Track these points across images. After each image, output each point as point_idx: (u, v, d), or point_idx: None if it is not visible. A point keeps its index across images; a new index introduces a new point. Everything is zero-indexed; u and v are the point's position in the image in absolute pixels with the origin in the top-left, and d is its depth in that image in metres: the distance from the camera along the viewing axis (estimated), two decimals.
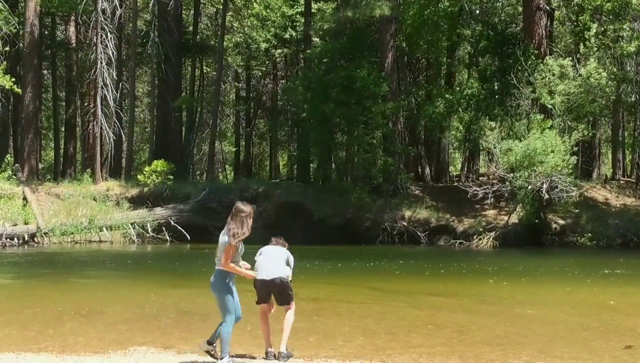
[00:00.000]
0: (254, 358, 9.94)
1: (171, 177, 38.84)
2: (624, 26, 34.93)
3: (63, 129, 53.83)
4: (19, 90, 41.65)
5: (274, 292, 9.87)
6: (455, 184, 39.45)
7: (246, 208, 9.44)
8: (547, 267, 23.86)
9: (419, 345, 11.30)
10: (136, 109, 53.82)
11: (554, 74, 34.33)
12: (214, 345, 9.45)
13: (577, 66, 35.25)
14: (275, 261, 9.93)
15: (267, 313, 10.02)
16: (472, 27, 41.87)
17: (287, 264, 10.00)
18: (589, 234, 32.94)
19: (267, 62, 51.97)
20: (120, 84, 47.91)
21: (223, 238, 9.38)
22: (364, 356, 10.20)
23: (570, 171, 32.34)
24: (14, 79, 40.10)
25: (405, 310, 14.69)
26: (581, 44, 37.05)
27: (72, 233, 34.29)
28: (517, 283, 19.52)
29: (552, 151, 31.21)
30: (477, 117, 35.92)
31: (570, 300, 16.51)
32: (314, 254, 27.35)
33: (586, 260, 27.01)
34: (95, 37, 43.44)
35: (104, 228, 34.88)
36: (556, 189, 31.29)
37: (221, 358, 9.23)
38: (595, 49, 35.91)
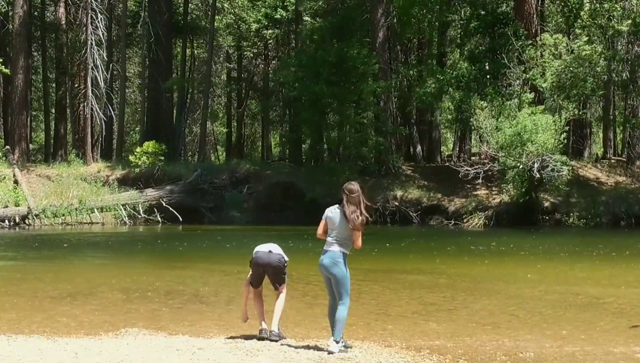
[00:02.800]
0: (248, 338, 9.95)
1: (162, 158, 38.73)
2: (617, 5, 34.86)
3: (53, 110, 53.56)
4: (7, 71, 41.42)
5: (268, 272, 9.85)
6: (447, 164, 39.42)
7: (355, 187, 9.35)
8: (538, 246, 23.94)
9: (412, 324, 11.33)
10: (127, 90, 53.56)
11: (547, 49, 34.26)
12: (341, 338, 9.28)
13: (569, 43, 35.21)
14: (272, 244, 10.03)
15: (261, 293, 10.02)
16: (463, 7, 41.68)
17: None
18: (580, 213, 33.02)
19: (258, 43, 51.74)
20: (111, 65, 47.68)
21: (342, 219, 9.25)
22: (355, 336, 10.22)
23: (562, 150, 32.40)
24: (0, 60, 39.88)
25: (398, 290, 14.71)
26: (572, 23, 36.91)
27: (63, 215, 34.17)
28: (508, 262, 19.58)
29: (543, 131, 31.20)
30: (467, 97, 35.88)
31: (561, 279, 16.57)
32: (307, 235, 27.36)
33: (578, 239, 27.11)
34: (85, 18, 43.17)
35: (95, 210, 34.79)
36: (547, 169, 31.32)
37: (337, 341, 9.11)
38: (588, 26, 35.80)
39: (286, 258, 10.01)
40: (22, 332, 10.61)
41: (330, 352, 9.04)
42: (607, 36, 35.80)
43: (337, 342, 9.14)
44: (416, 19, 40.74)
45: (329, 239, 9.37)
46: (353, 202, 9.24)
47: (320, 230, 9.49)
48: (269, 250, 9.93)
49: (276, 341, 9.62)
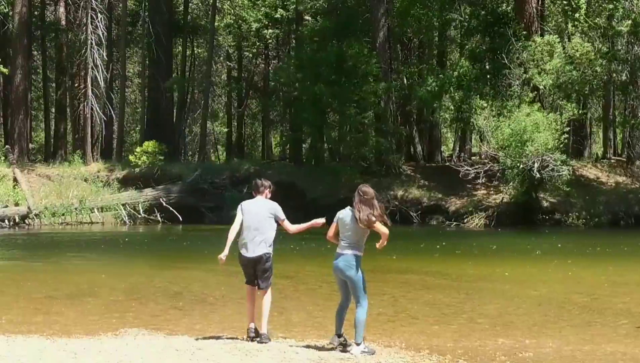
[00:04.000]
0: (236, 338, 9.94)
1: (162, 158, 38.71)
2: (618, 7, 34.83)
3: (53, 110, 53.56)
4: (6, 70, 41.41)
5: (257, 268, 9.78)
6: (447, 164, 39.34)
7: (370, 190, 9.33)
8: (538, 247, 23.91)
9: (411, 324, 11.32)
10: (127, 90, 53.56)
11: (542, 52, 34.30)
12: (342, 335, 9.36)
13: (566, 43, 35.21)
14: (262, 229, 9.75)
15: (254, 292, 9.97)
16: (463, 7, 41.62)
17: (275, 220, 9.84)
18: (580, 213, 33.00)
19: (258, 42, 51.72)
20: (111, 65, 47.67)
21: (352, 221, 9.21)
22: (354, 336, 10.18)
23: (562, 150, 32.39)
24: (0, 60, 39.86)
25: (398, 291, 14.70)
26: (569, 23, 36.87)
27: (63, 215, 34.13)
28: (507, 263, 19.54)
29: (543, 130, 31.17)
30: (468, 96, 35.85)
31: (562, 279, 16.57)
32: (308, 235, 27.36)
33: (578, 239, 27.08)
34: (85, 18, 43.16)
35: (95, 210, 34.77)
36: (547, 169, 31.31)
37: (357, 344, 9.12)
38: (586, 27, 35.77)
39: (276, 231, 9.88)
40: (21, 332, 10.60)
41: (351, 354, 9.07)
42: (608, 36, 35.76)
43: (359, 345, 9.13)
44: (416, 19, 40.68)
45: (341, 242, 9.34)
46: (367, 204, 9.19)
47: (330, 232, 9.47)
48: (253, 250, 9.75)
49: (266, 343, 9.57)
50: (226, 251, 9.75)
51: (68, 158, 43.93)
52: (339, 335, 9.39)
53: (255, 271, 9.79)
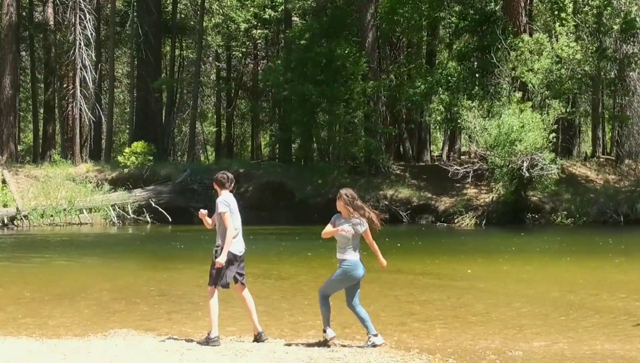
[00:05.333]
0: (237, 339, 9.93)
1: (151, 158, 38.64)
2: (609, 7, 34.95)
3: (42, 111, 53.40)
4: None
5: (242, 264, 9.82)
6: (437, 163, 39.36)
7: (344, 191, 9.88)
8: (527, 246, 23.98)
9: (401, 324, 11.32)
10: (115, 91, 53.43)
11: (530, 51, 34.39)
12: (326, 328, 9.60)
13: (554, 42, 35.30)
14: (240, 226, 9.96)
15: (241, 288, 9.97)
16: (452, 6, 41.64)
17: None
18: (569, 211, 33.09)
19: (247, 42, 51.73)
20: (99, 65, 47.56)
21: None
22: (345, 335, 10.19)
23: (551, 148, 32.45)
24: None
25: (388, 291, 14.70)
26: (557, 22, 36.94)
27: (52, 216, 34.03)
28: (497, 262, 19.57)
29: (531, 129, 31.22)
30: (456, 96, 35.89)
31: (551, 278, 16.61)
32: (299, 235, 27.44)
33: (567, 238, 27.15)
34: (73, 18, 43.06)
35: (84, 210, 34.67)
36: (536, 167, 31.38)
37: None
38: (572, 26, 35.85)
39: None
40: (10, 333, 10.56)
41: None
42: (597, 34, 35.86)
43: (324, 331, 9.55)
44: (405, 18, 40.68)
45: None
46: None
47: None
48: (243, 247, 9.83)
49: (265, 341, 9.61)
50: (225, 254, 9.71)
51: (57, 159, 43.81)
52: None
53: (239, 268, 9.78)
